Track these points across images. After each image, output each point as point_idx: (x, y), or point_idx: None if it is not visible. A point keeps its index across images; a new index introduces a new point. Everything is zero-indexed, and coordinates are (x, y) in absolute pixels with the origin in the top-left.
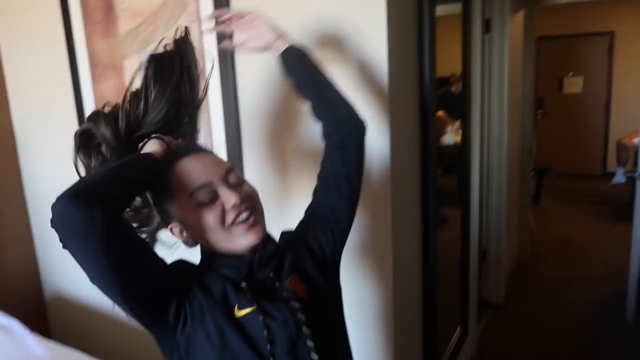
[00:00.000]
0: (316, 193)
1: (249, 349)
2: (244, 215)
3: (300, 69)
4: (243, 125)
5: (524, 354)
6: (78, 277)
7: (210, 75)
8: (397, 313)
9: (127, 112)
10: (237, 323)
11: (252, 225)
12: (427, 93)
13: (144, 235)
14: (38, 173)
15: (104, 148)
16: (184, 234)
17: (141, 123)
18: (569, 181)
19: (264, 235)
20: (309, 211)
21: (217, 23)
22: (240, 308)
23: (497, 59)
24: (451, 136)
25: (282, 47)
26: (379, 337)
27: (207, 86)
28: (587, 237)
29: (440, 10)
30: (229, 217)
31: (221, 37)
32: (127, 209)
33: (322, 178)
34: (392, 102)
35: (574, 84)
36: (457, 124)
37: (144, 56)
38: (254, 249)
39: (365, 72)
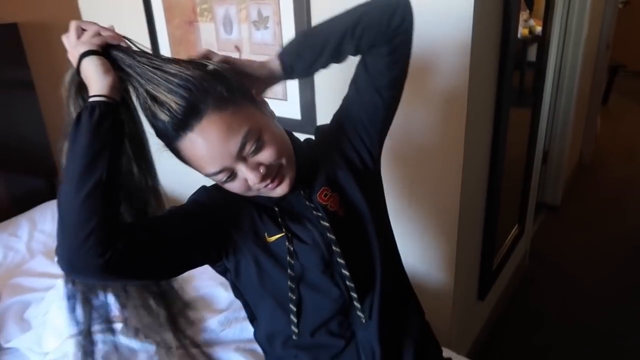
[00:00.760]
0: (349, 100)
1: (282, 271)
2: (269, 184)
3: (310, 58)
4: None
5: (576, 254)
6: None
7: None
8: (463, 208)
9: None
10: (269, 248)
11: (278, 184)
12: None
13: None
14: None
15: None
16: None
17: None
18: None
19: (292, 183)
20: (340, 117)
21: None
22: (270, 235)
23: None
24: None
25: (276, 62)
26: (442, 229)
27: None
28: None
29: None
30: (254, 187)
31: None
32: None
33: (359, 80)
34: None
35: None
36: (526, 14)
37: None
38: None
39: None
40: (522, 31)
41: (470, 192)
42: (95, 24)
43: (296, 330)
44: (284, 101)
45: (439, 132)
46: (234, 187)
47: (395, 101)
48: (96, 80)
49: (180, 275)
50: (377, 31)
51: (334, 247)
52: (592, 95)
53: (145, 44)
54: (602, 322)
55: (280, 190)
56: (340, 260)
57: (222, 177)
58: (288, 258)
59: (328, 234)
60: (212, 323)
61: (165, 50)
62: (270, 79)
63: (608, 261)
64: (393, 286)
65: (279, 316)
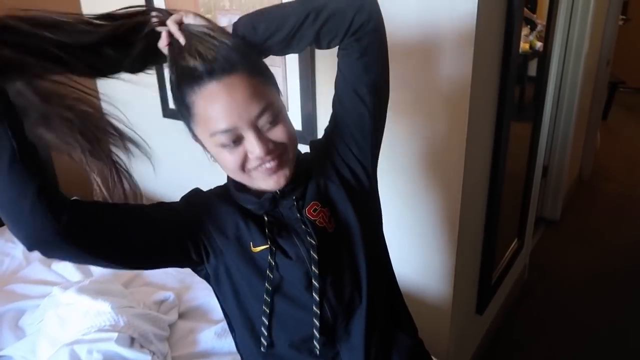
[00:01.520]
0: (334, 111)
1: (262, 282)
2: (267, 164)
3: (264, 33)
4: None
5: (575, 269)
6: None
7: None
8: (463, 221)
9: None
10: (253, 258)
11: (275, 172)
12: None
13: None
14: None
15: None
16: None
17: None
18: None
19: (287, 180)
20: (329, 130)
21: None
22: (255, 245)
23: None
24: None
25: (230, 30)
26: (441, 242)
27: None
28: None
29: None
30: (251, 164)
31: None
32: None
33: (339, 89)
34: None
35: None
36: (526, 30)
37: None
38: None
39: None
40: (522, 46)
41: (470, 206)
42: None
43: (265, 343)
44: None
45: (440, 144)
46: (230, 158)
47: (380, 109)
48: None
49: (181, 278)
50: (341, 21)
51: (313, 268)
52: (592, 110)
53: None
54: (602, 337)
55: (275, 179)
56: (316, 284)
57: (227, 138)
58: (267, 271)
59: (311, 252)
60: (208, 333)
61: None
62: None
63: (607, 276)
64: (382, 304)
65: (252, 326)
